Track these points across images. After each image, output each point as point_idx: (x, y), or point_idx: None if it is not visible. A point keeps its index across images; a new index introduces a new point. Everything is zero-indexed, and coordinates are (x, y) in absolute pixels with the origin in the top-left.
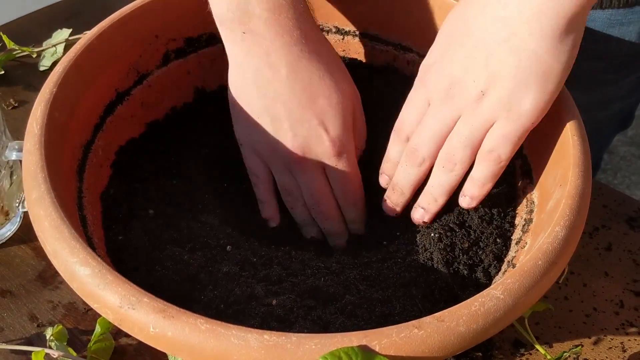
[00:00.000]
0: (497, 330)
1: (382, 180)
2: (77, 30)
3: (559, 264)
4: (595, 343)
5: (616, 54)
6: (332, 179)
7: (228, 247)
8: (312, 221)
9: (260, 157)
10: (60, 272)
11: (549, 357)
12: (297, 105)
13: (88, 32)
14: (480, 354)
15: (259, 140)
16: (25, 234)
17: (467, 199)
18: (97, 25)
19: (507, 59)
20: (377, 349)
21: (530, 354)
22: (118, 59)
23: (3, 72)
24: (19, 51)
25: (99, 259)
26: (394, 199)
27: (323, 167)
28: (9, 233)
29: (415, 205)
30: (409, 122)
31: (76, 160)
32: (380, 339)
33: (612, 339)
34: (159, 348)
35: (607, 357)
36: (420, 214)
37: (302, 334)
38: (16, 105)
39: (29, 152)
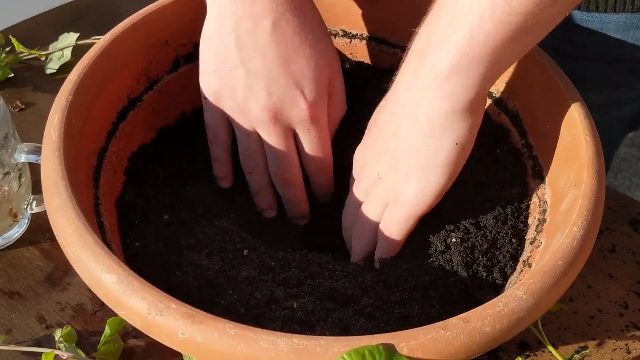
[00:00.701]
0: (520, 330)
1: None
2: (84, 33)
3: (578, 264)
4: (599, 345)
5: (630, 57)
6: (303, 144)
7: (245, 251)
8: (270, 189)
9: (224, 114)
10: (84, 280)
11: (560, 358)
12: (276, 62)
13: (99, 38)
14: (485, 356)
15: (228, 95)
16: (33, 235)
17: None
18: (109, 32)
19: (401, 151)
20: (404, 351)
21: (536, 355)
22: (130, 65)
23: (12, 74)
24: (27, 54)
25: (124, 265)
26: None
27: (293, 131)
28: (17, 235)
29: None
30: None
31: (92, 167)
32: (408, 340)
33: (616, 341)
34: (187, 354)
35: (611, 359)
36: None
37: (331, 337)
38: (23, 107)
39: (48, 159)
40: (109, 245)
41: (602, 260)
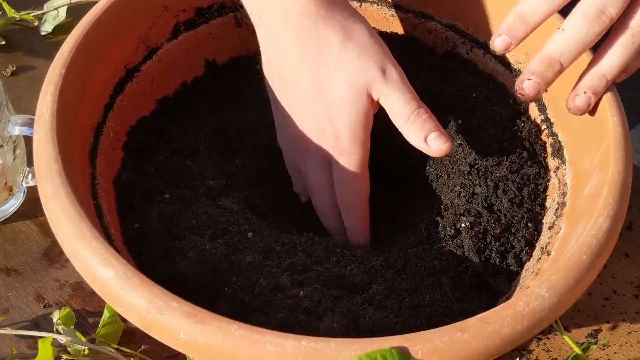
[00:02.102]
0: (540, 330)
1: None
2: None
3: (603, 257)
4: (614, 327)
5: None
6: (334, 176)
7: (249, 233)
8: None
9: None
10: (81, 274)
11: (576, 350)
12: (304, 96)
13: (95, 5)
14: None
15: (278, 127)
16: (29, 209)
17: None
18: None
19: None
20: (419, 355)
21: (548, 339)
22: (127, 33)
23: (4, 42)
24: (19, 17)
25: (123, 260)
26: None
27: (329, 161)
28: (12, 208)
29: None
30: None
31: (88, 145)
32: (423, 343)
33: (631, 324)
34: (190, 355)
35: (626, 342)
36: None
37: (341, 340)
38: (14, 69)
39: (41, 141)
40: (106, 230)
41: (618, 238)
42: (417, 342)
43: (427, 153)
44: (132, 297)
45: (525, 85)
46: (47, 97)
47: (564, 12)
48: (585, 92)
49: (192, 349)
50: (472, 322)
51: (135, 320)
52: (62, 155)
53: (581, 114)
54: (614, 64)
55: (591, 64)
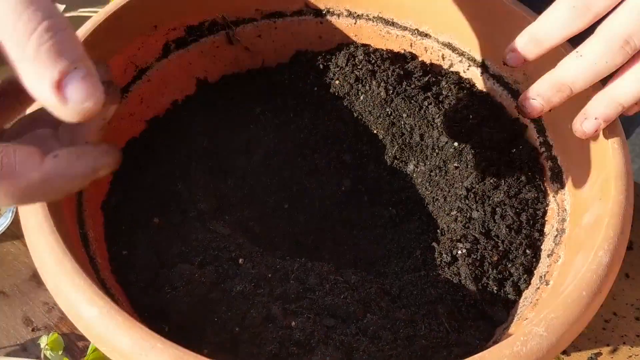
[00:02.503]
0: None
1: None
2: (71, 3)
3: (603, 293)
4: (614, 351)
5: None
6: None
7: (240, 259)
8: None
9: None
10: (64, 311)
11: None
12: None
13: (87, 10)
14: None
15: None
16: (18, 229)
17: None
18: (89, 20)
19: None
20: None
21: None
22: (114, 54)
23: None
24: None
25: (106, 297)
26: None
27: None
28: (1, 228)
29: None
30: None
31: None
32: None
33: (631, 347)
34: None
35: None
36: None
37: None
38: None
39: None
40: (93, 259)
41: None
42: None
43: (63, 113)
44: (116, 337)
45: (527, 104)
46: None
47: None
48: (596, 118)
49: None
50: None
51: None
52: None
53: (585, 138)
54: (634, 92)
55: (607, 88)
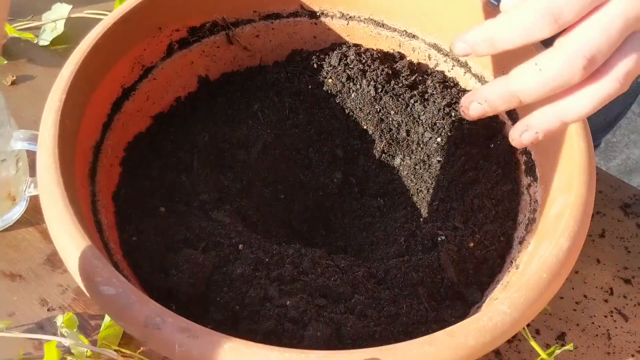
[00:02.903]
0: (504, 341)
1: None
2: (76, 1)
3: (562, 275)
4: (583, 330)
5: None
6: None
7: (240, 245)
8: None
9: None
10: (85, 291)
11: (542, 354)
12: None
13: (93, 12)
14: None
15: None
16: (32, 216)
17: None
18: (99, 24)
19: None
20: None
21: (520, 341)
22: (123, 55)
23: (5, 62)
24: (20, 24)
25: (122, 278)
26: None
27: None
28: (16, 216)
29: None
30: None
31: (88, 164)
32: (395, 356)
33: (599, 327)
34: None
35: (593, 344)
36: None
37: (322, 354)
38: (14, 79)
39: (43, 166)
40: (106, 244)
41: (590, 245)
42: (389, 354)
43: None
44: (132, 313)
45: (472, 108)
46: (48, 123)
47: None
48: (536, 132)
49: None
50: (440, 336)
51: (134, 334)
52: (64, 178)
53: (519, 147)
54: (580, 110)
55: (556, 105)
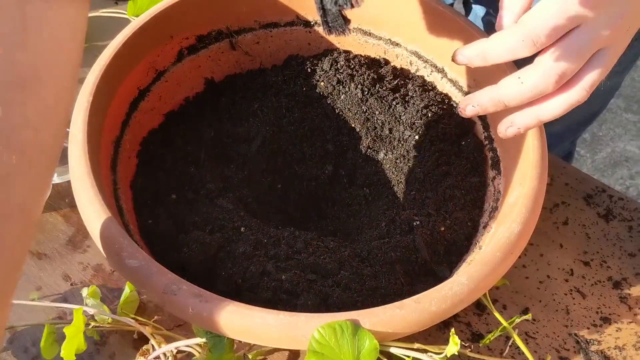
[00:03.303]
0: (462, 307)
1: None
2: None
3: (514, 254)
4: (545, 306)
5: None
6: None
7: (242, 228)
8: None
9: None
10: (111, 264)
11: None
12: None
13: (108, 11)
14: None
15: None
16: (55, 202)
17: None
18: (120, 33)
19: None
20: (367, 326)
21: (488, 314)
22: (140, 61)
23: None
24: None
25: (144, 252)
26: None
27: None
28: None
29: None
30: None
31: (109, 156)
32: (370, 317)
33: (559, 303)
34: (196, 325)
35: (553, 318)
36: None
37: (310, 314)
38: None
39: (75, 157)
40: (127, 226)
41: (555, 231)
42: (366, 316)
43: None
44: (153, 282)
45: (467, 109)
46: (78, 121)
47: None
48: (519, 128)
49: (199, 320)
50: (409, 302)
51: (154, 299)
52: (92, 168)
53: (505, 138)
54: (553, 113)
55: (535, 107)
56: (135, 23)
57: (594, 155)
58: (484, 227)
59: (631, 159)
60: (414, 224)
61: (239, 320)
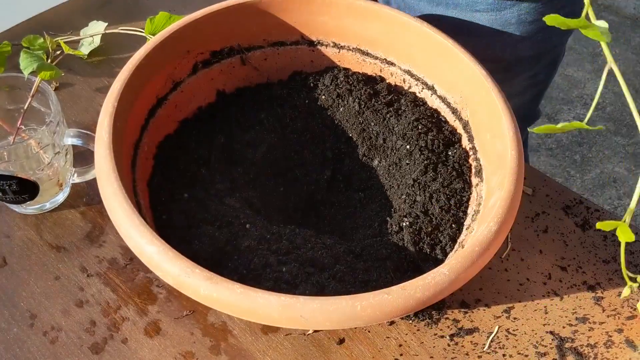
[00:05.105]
0: (444, 296)
1: None
2: (111, 19)
3: (491, 250)
4: (525, 306)
5: (500, 58)
6: None
7: (247, 225)
8: None
9: None
10: (132, 249)
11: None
12: None
13: (126, 28)
14: (435, 311)
15: None
16: (73, 200)
17: None
18: (142, 47)
19: None
20: (358, 308)
21: (472, 312)
22: (159, 72)
23: (63, 74)
24: (62, 38)
25: (162, 240)
26: None
27: None
28: (61, 199)
29: None
30: None
31: (130, 157)
32: (362, 301)
33: (538, 303)
34: (207, 304)
35: (532, 317)
36: None
37: (308, 297)
38: (57, 86)
39: (101, 155)
40: (145, 220)
41: (535, 238)
42: (357, 300)
43: None
44: (169, 266)
45: None
46: (104, 123)
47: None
48: None
49: (209, 300)
50: (395, 288)
51: (169, 281)
52: (117, 166)
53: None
54: None
55: None
56: (156, 39)
57: (584, 176)
58: (467, 229)
59: (619, 180)
60: (404, 224)
61: (246, 301)
